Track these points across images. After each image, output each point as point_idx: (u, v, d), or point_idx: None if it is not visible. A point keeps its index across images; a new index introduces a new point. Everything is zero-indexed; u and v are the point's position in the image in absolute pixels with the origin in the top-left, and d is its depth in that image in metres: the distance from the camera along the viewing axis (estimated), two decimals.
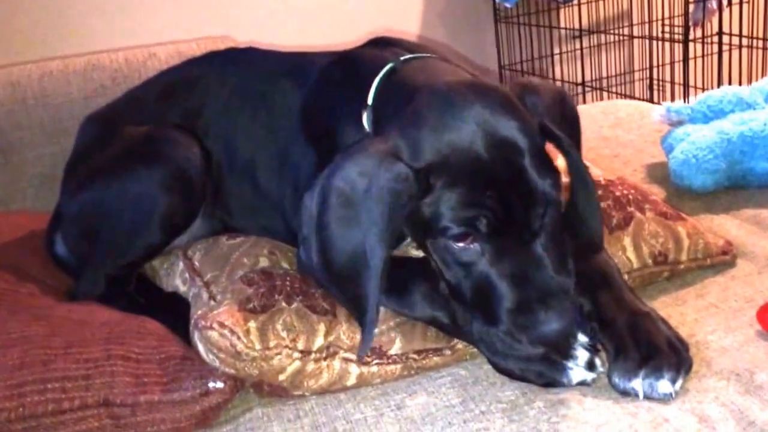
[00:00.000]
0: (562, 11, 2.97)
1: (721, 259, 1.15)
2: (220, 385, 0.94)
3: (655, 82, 3.09)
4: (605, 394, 0.88)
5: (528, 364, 0.91)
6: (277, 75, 1.25)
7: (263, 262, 1.15)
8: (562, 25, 2.97)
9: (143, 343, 1.01)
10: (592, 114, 1.88)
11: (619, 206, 1.17)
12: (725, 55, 2.59)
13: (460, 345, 1.00)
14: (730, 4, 2.61)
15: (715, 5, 2.55)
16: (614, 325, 0.92)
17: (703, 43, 2.67)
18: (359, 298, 0.90)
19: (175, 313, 1.12)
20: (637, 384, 0.85)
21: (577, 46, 2.98)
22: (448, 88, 0.93)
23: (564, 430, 0.84)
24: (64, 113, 1.60)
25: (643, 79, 3.15)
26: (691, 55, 2.64)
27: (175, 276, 1.23)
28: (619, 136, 1.72)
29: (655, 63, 3.04)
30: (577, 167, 0.96)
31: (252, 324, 0.96)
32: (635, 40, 3.06)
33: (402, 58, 1.07)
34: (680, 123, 1.50)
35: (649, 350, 0.86)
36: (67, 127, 1.53)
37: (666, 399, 0.85)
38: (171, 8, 2.30)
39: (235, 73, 1.31)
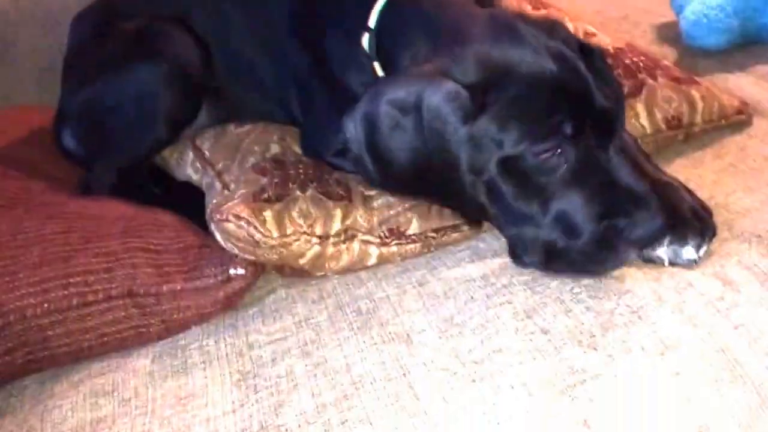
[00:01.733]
0: None
1: (737, 119, 1.13)
2: (241, 271, 0.95)
3: None
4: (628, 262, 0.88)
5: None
6: None
7: (274, 149, 1.13)
8: None
9: (161, 234, 1.01)
10: None
11: (630, 74, 1.14)
12: None
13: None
14: None
15: None
16: None
17: None
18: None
19: (190, 203, 1.12)
20: (662, 252, 0.85)
21: None
22: (493, 12, 0.94)
23: (586, 299, 0.84)
24: (55, 5, 1.57)
25: None
26: None
27: (186, 165, 1.21)
28: None
29: None
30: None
31: (267, 213, 0.95)
32: None
33: None
34: None
35: (673, 218, 0.85)
36: (59, 20, 1.46)
37: (690, 265, 0.85)
38: None
39: None
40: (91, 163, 1.26)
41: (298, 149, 1.13)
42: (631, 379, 0.75)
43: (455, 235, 1.00)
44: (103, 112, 1.21)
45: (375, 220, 0.99)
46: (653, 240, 0.84)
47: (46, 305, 0.91)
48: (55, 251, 0.96)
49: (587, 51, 0.94)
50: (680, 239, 0.85)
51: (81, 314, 0.92)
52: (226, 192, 1.04)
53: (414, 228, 0.99)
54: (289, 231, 0.95)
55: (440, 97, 0.84)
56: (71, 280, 0.93)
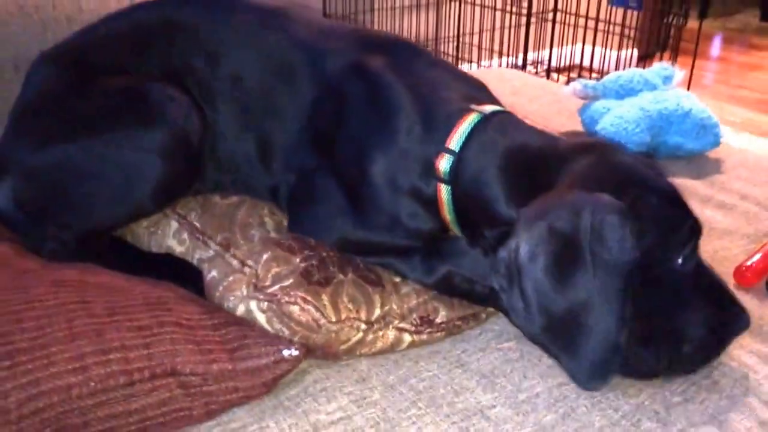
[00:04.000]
0: None
1: None
2: (295, 352, 0.92)
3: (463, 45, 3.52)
4: None
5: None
6: (289, 48, 1.16)
7: (269, 224, 1.12)
8: None
9: (188, 308, 0.94)
10: (486, 79, 1.99)
11: None
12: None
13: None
14: None
15: None
16: None
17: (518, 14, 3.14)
18: (582, 343, 0.87)
19: (179, 275, 1.05)
20: None
21: (397, 4, 3.29)
22: (604, 145, 1.00)
23: None
24: None
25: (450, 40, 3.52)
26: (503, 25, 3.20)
27: (166, 236, 1.14)
28: (523, 104, 1.85)
29: (468, 30, 3.45)
30: None
31: (324, 297, 0.96)
32: (445, 5, 3.45)
33: (486, 111, 1.05)
34: (595, 98, 1.67)
35: None
36: None
37: None
38: None
39: (236, 27, 1.18)
40: (32, 227, 1.12)
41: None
42: None
43: (472, 323, 1.07)
44: (79, 173, 1.09)
45: (406, 307, 1.02)
46: (744, 329, 0.97)
47: (92, 384, 0.80)
48: (83, 323, 0.86)
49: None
50: None
51: (126, 394, 0.83)
52: (247, 269, 1.00)
53: (442, 316, 1.05)
54: (342, 316, 0.96)
55: (616, 218, 0.86)
56: (111, 357, 0.83)
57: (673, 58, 2.91)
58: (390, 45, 1.18)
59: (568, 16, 3.25)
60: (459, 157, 1.02)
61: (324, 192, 1.11)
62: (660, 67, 1.73)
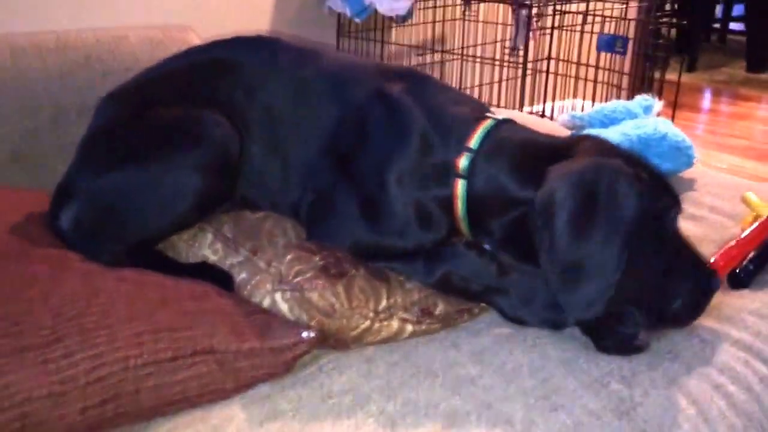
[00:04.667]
0: (394, 30, 3.33)
1: None
2: (312, 334, 1.08)
3: None
4: None
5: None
6: (317, 78, 1.35)
7: (291, 234, 1.29)
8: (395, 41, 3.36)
9: (225, 300, 1.12)
10: None
11: None
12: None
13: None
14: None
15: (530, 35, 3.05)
16: None
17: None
18: (585, 291, 1.05)
19: (213, 278, 1.22)
20: None
21: (413, 62, 3.38)
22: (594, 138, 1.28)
23: None
24: (39, 89, 1.55)
25: None
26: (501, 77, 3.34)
27: (202, 247, 1.32)
28: None
29: (470, 83, 3.55)
30: None
31: (339, 286, 1.13)
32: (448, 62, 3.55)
33: (499, 118, 1.26)
34: (582, 127, 1.84)
35: None
36: (42, 103, 1.49)
37: None
38: None
39: (274, 65, 1.38)
40: (90, 244, 1.28)
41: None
42: None
43: (466, 316, 1.23)
44: (131, 195, 1.26)
45: (409, 300, 1.18)
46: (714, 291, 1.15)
47: (145, 356, 0.97)
48: (140, 308, 1.04)
49: None
50: None
51: (171, 367, 0.99)
52: (272, 269, 1.18)
53: (440, 309, 1.21)
54: (354, 304, 1.12)
55: (628, 180, 1.06)
56: (160, 335, 1.01)
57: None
58: (406, 74, 1.38)
59: (562, 64, 3.36)
60: (477, 154, 1.20)
61: (341, 204, 1.28)
62: (641, 98, 1.90)
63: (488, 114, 1.28)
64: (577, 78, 3.27)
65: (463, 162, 1.20)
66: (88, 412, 0.93)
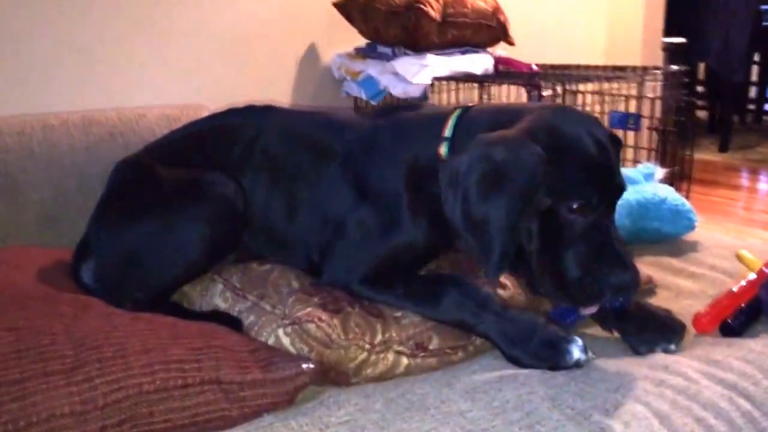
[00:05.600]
0: None
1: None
2: (311, 366, 1.16)
3: None
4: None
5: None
6: (312, 123, 1.52)
7: (295, 284, 1.39)
8: None
9: (232, 337, 1.21)
10: None
11: None
12: None
13: (477, 341, 1.32)
14: None
15: None
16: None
17: None
18: (488, 243, 1.18)
19: (227, 322, 1.31)
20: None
21: None
22: (557, 107, 1.35)
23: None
24: (67, 160, 1.71)
25: None
26: None
27: (214, 296, 1.43)
28: None
29: None
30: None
31: (335, 320, 1.21)
32: None
33: (467, 105, 1.39)
34: None
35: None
36: (69, 173, 1.65)
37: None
38: (154, 74, 2.36)
39: (276, 122, 1.54)
40: (110, 293, 1.38)
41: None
42: None
43: (461, 354, 1.30)
44: (145, 249, 1.38)
45: (404, 334, 1.26)
46: (631, 287, 1.21)
47: (157, 383, 1.06)
48: (153, 342, 1.13)
49: (615, 141, 1.31)
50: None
51: (181, 394, 1.08)
52: (276, 311, 1.27)
53: (434, 344, 1.28)
54: (350, 336, 1.20)
55: (534, 158, 1.16)
56: (172, 366, 1.10)
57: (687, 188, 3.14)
58: (394, 108, 1.56)
59: None
60: (453, 139, 1.33)
61: (352, 226, 1.38)
62: (643, 166, 2.00)
63: (456, 106, 1.40)
64: None
65: (443, 150, 1.33)
66: (107, 430, 1.02)
